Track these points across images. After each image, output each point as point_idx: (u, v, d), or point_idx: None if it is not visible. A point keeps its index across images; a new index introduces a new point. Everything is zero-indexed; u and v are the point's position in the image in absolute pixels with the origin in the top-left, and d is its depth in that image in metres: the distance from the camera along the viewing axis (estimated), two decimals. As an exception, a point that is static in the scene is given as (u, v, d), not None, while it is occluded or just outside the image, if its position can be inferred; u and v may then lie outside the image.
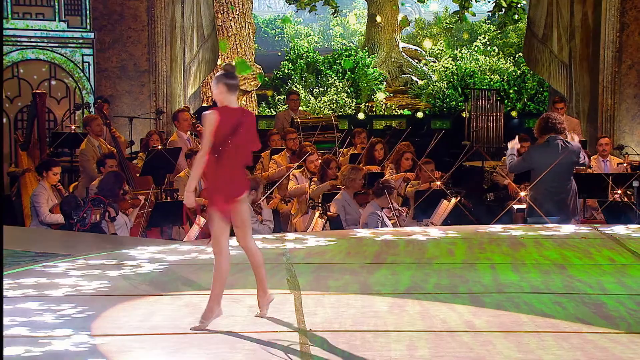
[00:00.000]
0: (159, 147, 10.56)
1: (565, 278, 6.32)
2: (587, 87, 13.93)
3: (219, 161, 5.07)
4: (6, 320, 5.12)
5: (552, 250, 7.40)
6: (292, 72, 19.39)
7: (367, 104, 18.70)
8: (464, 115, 15.45)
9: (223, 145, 5.06)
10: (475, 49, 20.21)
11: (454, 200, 9.27)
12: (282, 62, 19.80)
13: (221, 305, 5.10)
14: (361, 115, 16.10)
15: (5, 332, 4.85)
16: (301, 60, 19.54)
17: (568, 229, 8.34)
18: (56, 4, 12.99)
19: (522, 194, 9.07)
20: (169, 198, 9.97)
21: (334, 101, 18.64)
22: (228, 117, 5.08)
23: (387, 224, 9.10)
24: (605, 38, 13.35)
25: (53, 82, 13.11)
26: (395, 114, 18.41)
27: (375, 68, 19.35)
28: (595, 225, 8.91)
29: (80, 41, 13.18)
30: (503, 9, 18.92)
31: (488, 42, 20.49)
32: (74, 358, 4.50)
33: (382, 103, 18.95)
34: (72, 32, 13.12)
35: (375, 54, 19.71)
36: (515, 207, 9.53)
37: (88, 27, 13.17)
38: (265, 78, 18.48)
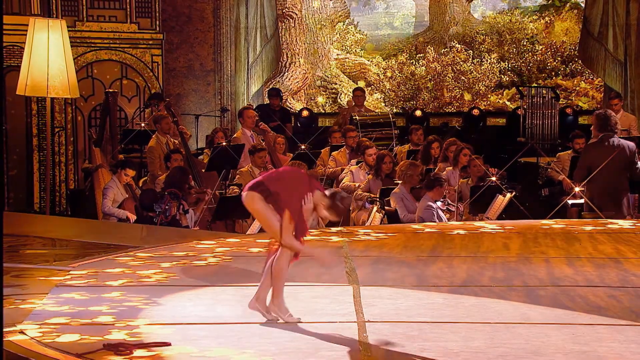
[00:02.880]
0: (224, 143, 10.79)
1: (620, 272, 6.31)
2: (642, 85, 13.89)
3: None
4: (77, 309, 5.25)
5: (606, 244, 7.41)
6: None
7: (416, 102, 18.74)
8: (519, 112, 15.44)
9: None
10: (523, 47, 20.08)
11: (509, 195, 9.36)
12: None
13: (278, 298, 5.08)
14: (418, 113, 16.19)
15: (72, 321, 5.00)
16: (352, 59, 19.64)
17: (622, 224, 8.37)
18: (128, 6, 13.30)
19: (577, 189, 9.13)
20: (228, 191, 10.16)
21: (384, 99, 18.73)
22: None
23: (442, 217, 9.22)
24: (661, 36, 13.31)
25: (124, 82, 13.43)
26: (448, 111, 18.43)
27: (422, 67, 19.39)
28: (649, 220, 8.94)
29: (150, 42, 13.47)
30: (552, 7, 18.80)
31: (535, 40, 20.36)
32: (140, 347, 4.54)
33: (431, 101, 18.99)
34: (143, 34, 13.44)
35: (422, 53, 19.73)
36: (570, 202, 9.58)
37: (157, 28, 13.45)
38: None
